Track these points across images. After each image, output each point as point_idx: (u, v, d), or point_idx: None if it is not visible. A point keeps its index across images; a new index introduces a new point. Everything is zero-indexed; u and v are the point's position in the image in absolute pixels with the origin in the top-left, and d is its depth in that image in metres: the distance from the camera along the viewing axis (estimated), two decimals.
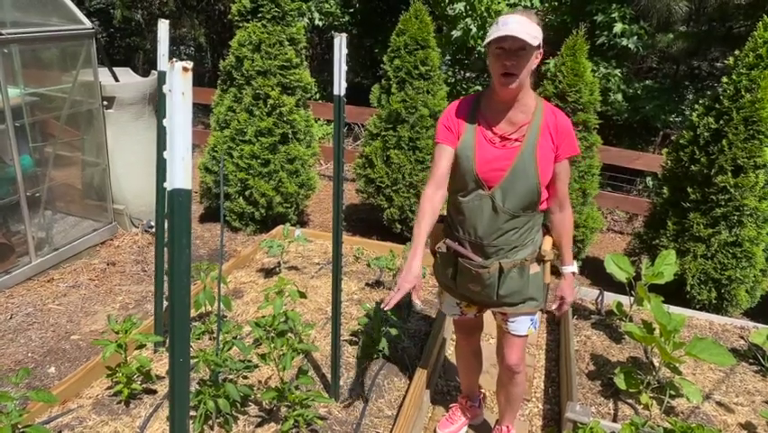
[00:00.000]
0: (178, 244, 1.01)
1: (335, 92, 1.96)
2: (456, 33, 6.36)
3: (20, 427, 1.82)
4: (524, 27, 1.67)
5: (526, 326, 2.04)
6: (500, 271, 1.91)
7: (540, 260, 1.98)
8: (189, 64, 0.92)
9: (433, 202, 1.88)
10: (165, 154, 0.96)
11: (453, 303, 2.16)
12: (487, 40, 1.70)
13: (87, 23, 3.74)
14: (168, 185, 0.98)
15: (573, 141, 1.87)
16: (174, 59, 0.90)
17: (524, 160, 1.80)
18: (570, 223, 2.01)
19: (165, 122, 0.94)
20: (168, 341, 2.74)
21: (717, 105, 3.50)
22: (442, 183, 1.91)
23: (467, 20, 6.28)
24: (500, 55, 1.70)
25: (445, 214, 2.07)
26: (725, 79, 3.49)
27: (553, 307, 2.12)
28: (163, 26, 2.19)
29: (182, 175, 0.98)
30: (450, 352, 3.13)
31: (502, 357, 2.14)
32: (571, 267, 2.06)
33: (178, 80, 0.92)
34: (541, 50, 1.74)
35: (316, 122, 6.33)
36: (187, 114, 0.95)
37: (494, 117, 1.85)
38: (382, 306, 1.83)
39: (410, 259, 1.81)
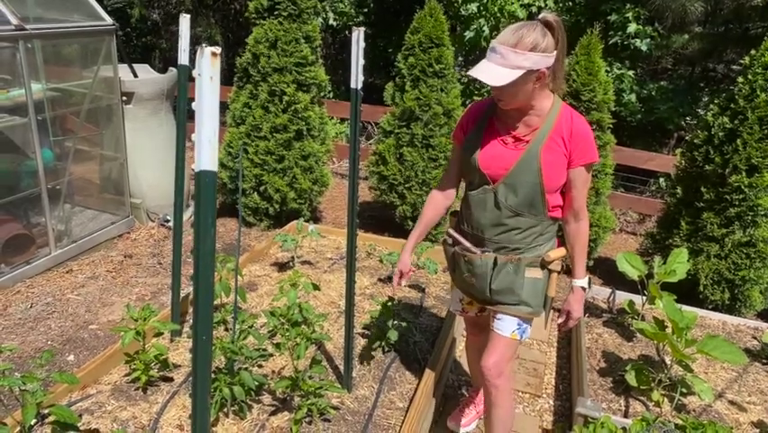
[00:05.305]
0: (203, 224, 1.05)
1: (352, 85, 1.99)
2: (469, 34, 6.38)
3: (43, 406, 1.87)
4: (506, 59, 1.63)
5: (511, 328, 1.95)
6: (495, 263, 1.89)
7: (543, 266, 1.91)
8: (218, 49, 0.96)
9: (432, 204, 2.08)
10: (193, 137, 1.00)
11: (457, 298, 2.19)
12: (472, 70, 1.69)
13: (108, 20, 3.81)
14: (195, 166, 1.02)
15: (589, 147, 1.79)
16: (204, 44, 0.94)
17: (527, 159, 1.78)
18: (584, 235, 1.93)
19: (194, 105, 0.98)
20: (185, 328, 2.79)
21: (732, 105, 3.49)
22: (449, 183, 2.07)
23: (480, 20, 6.30)
24: None
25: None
26: (740, 79, 3.48)
27: (559, 321, 2.06)
28: (185, 21, 2.24)
29: (209, 157, 1.02)
30: (461, 348, 3.15)
31: (482, 360, 2.03)
32: (581, 281, 1.96)
33: (207, 65, 0.96)
34: (542, 69, 1.66)
35: (330, 120, 6.38)
36: (215, 97, 0.99)
37: (508, 118, 1.84)
38: (393, 285, 2.16)
39: (402, 252, 2.13)
